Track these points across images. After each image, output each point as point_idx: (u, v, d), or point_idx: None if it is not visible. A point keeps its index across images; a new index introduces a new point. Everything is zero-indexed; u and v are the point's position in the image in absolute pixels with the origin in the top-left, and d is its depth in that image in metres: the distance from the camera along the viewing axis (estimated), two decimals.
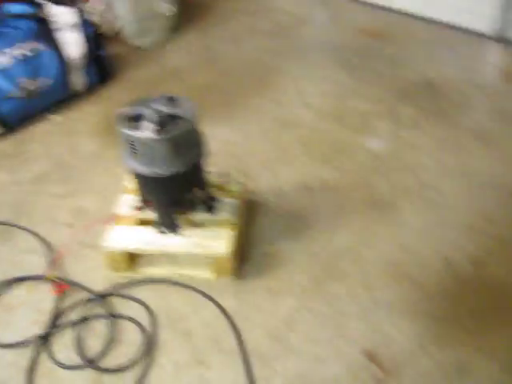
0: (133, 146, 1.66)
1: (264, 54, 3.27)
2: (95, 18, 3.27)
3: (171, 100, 1.77)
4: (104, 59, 3.07)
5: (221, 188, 2.03)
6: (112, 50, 3.28)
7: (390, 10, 3.58)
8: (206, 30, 3.58)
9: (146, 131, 1.63)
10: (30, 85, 2.73)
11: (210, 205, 1.92)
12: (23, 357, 1.74)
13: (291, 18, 3.63)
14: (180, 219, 1.90)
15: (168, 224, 1.86)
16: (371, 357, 1.67)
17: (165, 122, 1.68)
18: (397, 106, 2.68)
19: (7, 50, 2.68)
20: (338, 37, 3.39)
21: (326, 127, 2.60)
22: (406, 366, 1.64)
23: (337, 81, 2.94)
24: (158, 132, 1.64)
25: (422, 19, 3.41)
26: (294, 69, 3.09)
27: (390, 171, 2.30)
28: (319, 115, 2.69)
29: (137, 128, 1.68)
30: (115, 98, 3.00)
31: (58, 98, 2.91)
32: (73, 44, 2.87)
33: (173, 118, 1.70)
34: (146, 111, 1.69)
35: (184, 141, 1.67)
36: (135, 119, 1.72)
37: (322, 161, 2.39)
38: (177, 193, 1.83)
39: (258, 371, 1.65)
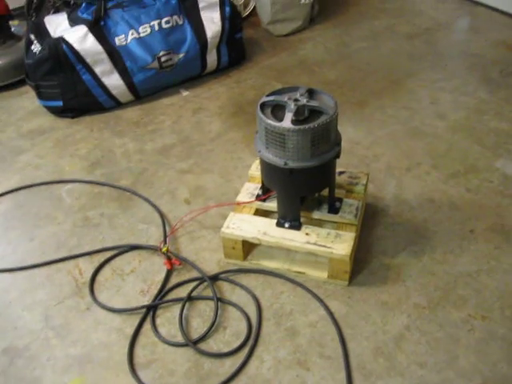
0: (269, 135, 1.63)
1: (401, 57, 3.17)
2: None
3: (311, 92, 1.73)
4: (239, 41, 3.08)
5: (346, 189, 1.97)
6: (246, 32, 3.29)
7: None
8: (345, 26, 3.52)
9: (286, 121, 1.60)
10: (167, 58, 2.77)
11: (334, 205, 1.87)
12: (128, 324, 1.77)
13: (433, 23, 3.51)
14: (302, 215, 1.86)
15: (290, 218, 1.82)
16: None
17: (304, 114, 1.65)
18: None
19: (150, 23, 2.74)
20: (477, 47, 3.23)
21: (459, 142, 2.47)
22: None
23: (475, 95, 2.79)
24: (297, 123, 1.60)
25: None
26: (431, 76, 2.97)
27: None
28: (453, 129, 2.56)
29: (276, 117, 1.65)
30: (245, 81, 3.01)
31: (190, 74, 2.96)
32: (211, 22, 2.90)
33: (312, 111, 1.66)
34: (286, 101, 1.66)
35: (322, 136, 1.62)
36: (275, 108, 1.69)
37: (452, 177, 2.27)
38: (306, 189, 1.78)
39: None
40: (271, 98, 1.70)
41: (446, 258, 1.93)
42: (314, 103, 1.65)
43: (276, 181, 1.77)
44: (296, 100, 1.65)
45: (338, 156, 1.72)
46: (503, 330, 1.69)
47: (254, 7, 3.62)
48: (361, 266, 1.91)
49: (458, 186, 2.23)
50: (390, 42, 3.34)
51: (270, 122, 1.60)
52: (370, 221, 2.08)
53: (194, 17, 2.87)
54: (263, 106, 1.69)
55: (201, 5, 2.88)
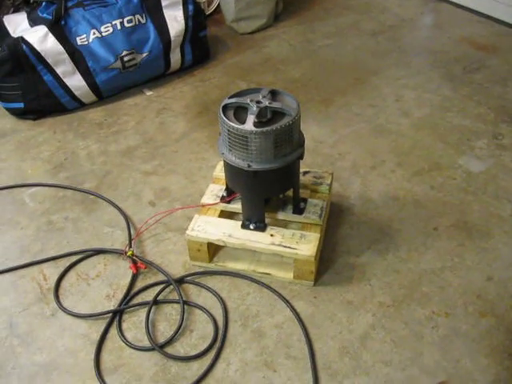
0: (232, 137, 1.62)
1: (366, 54, 3.19)
2: None
3: (274, 93, 1.73)
4: (203, 39, 3.06)
5: (310, 189, 1.98)
6: (210, 30, 3.27)
7: (498, 20, 3.43)
8: (309, 23, 3.53)
9: (248, 123, 1.59)
10: (130, 58, 2.74)
11: (299, 206, 1.87)
12: (94, 329, 1.75)
13: (398, 20, 3.55)
14: (267, 216, 1.86)
15: (255, 220, 1.82)
16: None
17: (267, 116, 1.65)
18: (501, 128, 2.54)
19: (112, 22, 2.71)
20: (441, 44, 3.27)
21: (423, 140, 2.49)
22: None
23: (439, 92, 2.82)
24: (260, 125, 1.60)
25: None
26: (395, 73, 2.99)
27: (487, 196, 2.18)
28: (417, 126, 2.58)
29: (238, 119, 1.65)
30: (209, 80, 3.00)
31: (153, 73, 2.93)
32: (174, 20, 2.87)
33: (275, 113, 1.66)
34: (248, 103, 1.65)
35: (285, 137, 1.62)
36: (237, 110, 1.69)
37: (416, 174, 2.29)
38: (270, 190, 1.78)
39: None
40: (233, 100, 1.69)
41: (411, 255, 1.95)
42: (276, 105, 1.65)
43: (240, 183, 1.77)
44: (258, 102, 1.65)
45: (301, 157, 1.73)
46: (466, 327, 1.72)
47: (218, 4, 3.59)
48: (326, 266, 1.92)
49: (422, 184, 2.25)
50: (355, 39, 3.35)
51: (232, 124, 1.60)
52: (335, 220, 2.09)
53: (157, 16, 2.84)
54: (225, 109, 1.68)
55: (164, 3, 2.85)
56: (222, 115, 1.64)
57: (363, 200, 2.18)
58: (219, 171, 2.05)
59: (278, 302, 1.81)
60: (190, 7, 2.91)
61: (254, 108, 1.63)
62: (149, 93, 2.90)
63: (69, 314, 1.80)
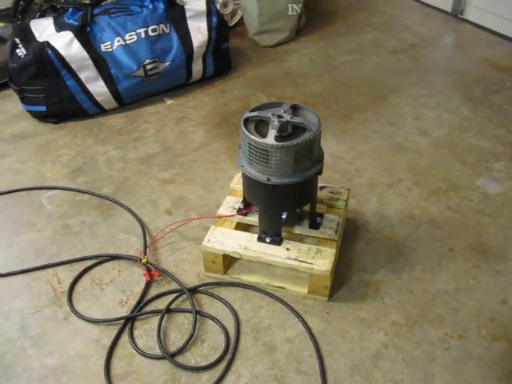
0: (252, 151, 1.63)
1: (386, 72, 3.19)
2: (220, 8, 3.29)
3: (295, 108, 1.74)
4: (225, 51, 3.09)
5: (327, 204, 1.98)
6: (233, 42, 3.29)
7: None
8: (331, 38, 3.55)
9: (269, 137, 1.60)
10: (152, 66, 2.77)
11: (315, 220, 1.88)
12: (106, 335, 1.75)
13: (419, 39, 3.56)
14: (283, 230, 1.86)
15: (271, 233, 1.83)
16: None
17: (287, 131, 1.66)
18: None
19: (137, 30, 2.74)
20: (462, 64, 3.27)
21: (441, 160, 2.49)
22: None
23: (458, 112, 2.82)
24: (281, 140, 1.61)
25: None
26: (415, 92, 3.00)
27: (503, 218, 2.17)
28: (435, 146, 2.58)
29: (259, 133, 1.65)
30: (230, 91, 3.01)
31: (175, 82, 2.96)
32: (198, 31, 2.90)
33: (296, 128, 1.67)
34: (270, 117, 1.66)
35: (305, 152, 1.62)
36: (258, 123, 1.70)
37: (432, 194, 2.29)
38: (288, 204, 1.79)
39: None
40: (255, 113, 1.70)
41: (425, 275, 1.94)
42: (297, 120, 1.66)
43: (258, 196, 1.77)
44: (280, 116, 1.66)
45: (320, 172, 1.73)
46: (479, 350, 1.71)
47: (241, 17, 3.62)
48: (340, 282, 1.91)
49: (438, 204, 2.24)
50: (376, 57, 3.36)
51: (253, 137, 1.61)
52: (350, 236, 2.09)
53: (181, 26, 2.87)
54: (247, 122, 1.69)
55: (188, 14, 2.88)
56: (244, 128, 1.65)
57: (379, 217, 2.18)
58: (236, 183, 2.06)
59: (290, 317, 1.81)
60: (214, 19, 2.94)
61: (276, 122, 1.63)
62: (169, 101, 2.92)
63: (81, 318, 1.81)
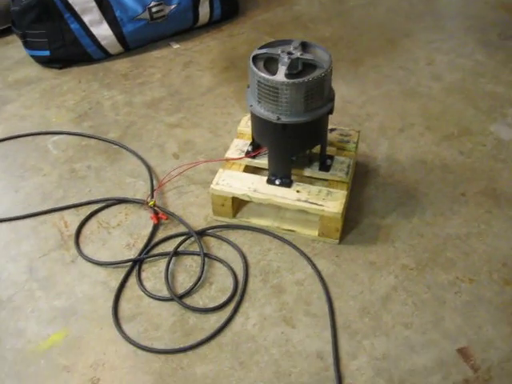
0: (261, 89, 1.58)
1: (399, 16, 3.10)
2: None
3: (305, 45, 1.69)
4: None
5: (337, 146, 1.94)
6: None
7: None
8: None
9: (279, 75, 1.55)
10: (158, 8, 2.70)
11: (325, 162, 1.84)
12: (113, 277, 1.75)
13: None
14: (293, 172, 1.82)
15: (281, 175, 1.79)
16: (465, 355, 1.56)
17: (297, 68, 1.60)
18: None
19: None
20: (477, 8, 3.17)
21: (454, 105, 2.43)
22: (502, 376, 1.52)
23: (472, 57, 2.74)
24: (291, 77, 1.56)
25: None
26: (428, 36, 2.91)
27: None
28: (448, 91, 2.51)
29: (269, 70, 1.60)
30: (237, 35, 2.94)
31: (181, 26, 2.89)
32: None
33: (306, 65, 1.61)
34: (279, 54, 1.61)
35: (316, 90, 1.57)
36: (268, 61, 1.64)
37: (445, 139, 2.24)
38: (298, 145, 1.75)
39: (343, 343, 1.57)
40: (264, 50, 1.65)
41: (436, 220, 1.91)
42: (308, 56, 1.61)
43: (268, 136, 1.73)
44: (289, 53, 1.60)
45: (331, 112, 1.68)
46: (490, 294, 1.69)
47: None
48: (350, 226, 1.89)
49: (451, 149, 2.20)
50: (388, 0, 3.26)
51: (263, 75, 1.56)
52: (360, 180, 2.05)
53: None
54: (255, 59, 1.64)
55: None
56: (253, 65, 1.60)
57: (390, 162, 2.14)
58: (244, 126, 2.02)
59: (299, 259, 1.79)
60: None
61: (286, 59, 1.58)
62: (176, 46, 2.86)
63: (89, 261, 1.80)
